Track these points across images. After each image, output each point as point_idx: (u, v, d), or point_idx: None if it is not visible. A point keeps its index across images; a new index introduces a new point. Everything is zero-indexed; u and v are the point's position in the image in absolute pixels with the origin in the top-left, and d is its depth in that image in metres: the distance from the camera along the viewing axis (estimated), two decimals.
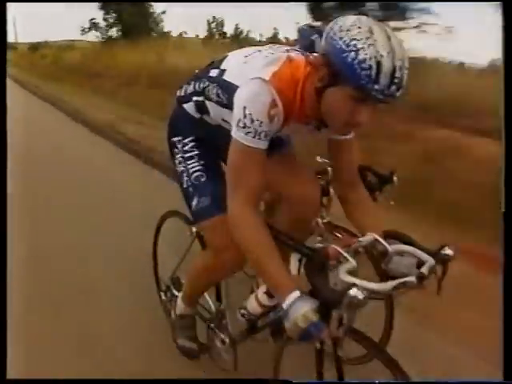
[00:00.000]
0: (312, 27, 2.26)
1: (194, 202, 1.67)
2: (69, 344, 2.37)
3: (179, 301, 2.02)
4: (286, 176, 1.72)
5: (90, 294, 2.80)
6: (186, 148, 1.72)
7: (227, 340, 1.91)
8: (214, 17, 16.14)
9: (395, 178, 2.01)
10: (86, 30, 18.07)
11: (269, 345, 1.81)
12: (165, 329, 2.23)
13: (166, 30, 16.76)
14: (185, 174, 1.70)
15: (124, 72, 10.33)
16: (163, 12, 16.49)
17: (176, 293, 2.17)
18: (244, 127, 1.33)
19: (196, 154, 1.71)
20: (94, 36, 18.00)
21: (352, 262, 1.21)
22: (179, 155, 1.73)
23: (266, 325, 1.73)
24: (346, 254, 1.23)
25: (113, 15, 16.78)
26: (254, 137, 1.33)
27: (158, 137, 4.63)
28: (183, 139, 1.73)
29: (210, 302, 2.00)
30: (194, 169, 1.69)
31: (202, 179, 1.68)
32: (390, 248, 1.33)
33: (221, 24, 15.77)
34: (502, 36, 1.57)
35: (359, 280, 1.14)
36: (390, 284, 1.16)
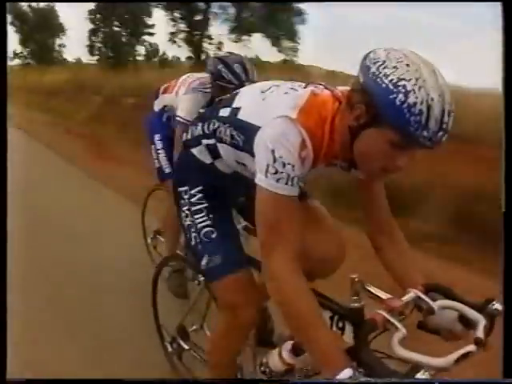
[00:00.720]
0: (218, 58, 2.44)
1: (204, 261, 1.51)
2: (69, 344, 2.41)
3: None
4: (307, 232, 1.38)
5: (90, 296, 2.85)
6: (194, 200, 1.56)
7: None
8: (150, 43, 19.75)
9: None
10: (11, 58, 23.10)
11: None
12: None
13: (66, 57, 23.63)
14: (192, 230, 1.54)
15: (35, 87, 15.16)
16: (64, 46, 23.34)
17: (183, 344, 2.02)
18: (275, 173, 1.19)
19: (205, 207, 1.55)
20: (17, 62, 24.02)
21: (402, 330, 1.10)
22: (186, 207, 1.57)
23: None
24: (395, 321, 1.11)
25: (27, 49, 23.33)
26: (286, 183, 1.20)
27: None
28: (190, 189, 1.57)
29: None
30: (203, 224, 1.53)
31: (212, 236, 1.52)
32: (435, 305, 1.22)
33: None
34: (502, 37, 1.51)
35: (419, 356, 1.03)
36: (453, 357, 1.05)
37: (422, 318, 1.30)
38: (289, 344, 1.56)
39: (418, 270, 1.38)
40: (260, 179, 1.22)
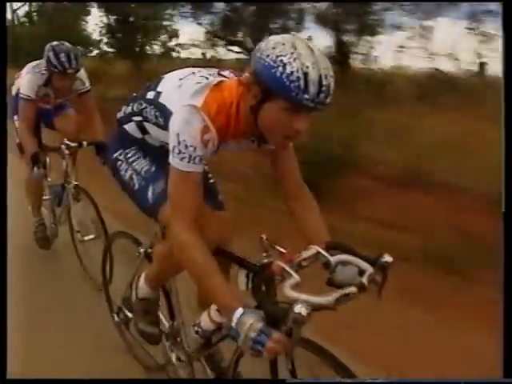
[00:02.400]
0: (51, 45, 2.98)
1: (150, 192, 1.66)
2: (69, 344, 2.40)
3: (142, 283, 1.92)
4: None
5: (90, 295, 2.85)
6: (129, 155, 1.75)
7: (183, 357, 1.92)
8: None
9: None
10: None
11: None
12: None
13: None
14: (134, 176, 1.71)
15: None
16: None
17: (129, 314, 2.15)
18: (179, 153, 1.37)
19: (140, 156, 1.74)
20: None
21: (295, 277, 1.25)
22: (123, 165, 1.74)
23: (220, 340, 1.75)
24: (289, 270, 1.27)
25: None
26: (188, 162, 1.37)
27: None
28: (124, 151, 1.75)
29: (164, 320, 1.99)
30: (142, 165, 1.72)
31: (152, 169, 1.69)
32: (332, 259, 1.38)
33: None
34: (502, 36, 1.57)
35: (303, 295, 1.18)
36: (334, 297, 1.21)
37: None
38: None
39: (324, 229, 1.54)
40: (171, 158, 1.40)
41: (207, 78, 1.45)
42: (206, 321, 1.77)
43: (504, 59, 1.55)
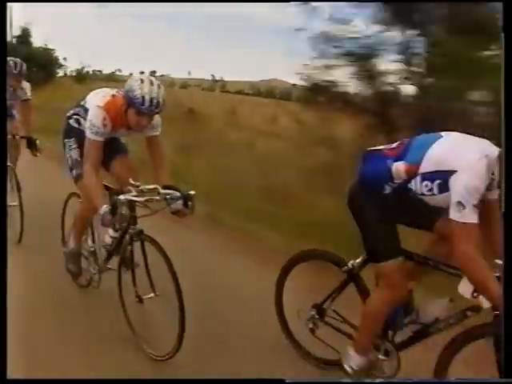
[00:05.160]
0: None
1: (74, 172, 3.00)
2: (69, 344, 2.58)
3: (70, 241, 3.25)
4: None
5: (90, 295, 3.23)
6: (71, 144, 3.09)
7: (97, 267, 3.18)
8: None
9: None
10: None
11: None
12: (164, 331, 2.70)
13: None
14: (70, 160, 3.05)
15: None
16: None
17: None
18: (90, 129, 2.71)
19: (75, 147, 3.07)
20: None
21: (133, 192, 2.55)
22: (67, 148, 3.09)
23: (116, 248, 2.94)
24: (132, 190, 2.57)
25: None
26: (95, 134, 2.71)
27: None
28: (69, 140, 3.11)
29: (89, 244, 3.26)
30: (74, 151, 3.05)
31: (79, 159, 3.01)
32: (162, 191, 2.64)
33: None
34: (502, 37, 1.60)
35: (129, 196, 2.49)
36: (144, 198, 2.49)
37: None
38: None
39: (167, 180, 2.81)
40: (86, 133, 2.74)
41: (108, 93, 2.82)
42: (107, 238, 3.02)
43: (504, 59, 1.59)
